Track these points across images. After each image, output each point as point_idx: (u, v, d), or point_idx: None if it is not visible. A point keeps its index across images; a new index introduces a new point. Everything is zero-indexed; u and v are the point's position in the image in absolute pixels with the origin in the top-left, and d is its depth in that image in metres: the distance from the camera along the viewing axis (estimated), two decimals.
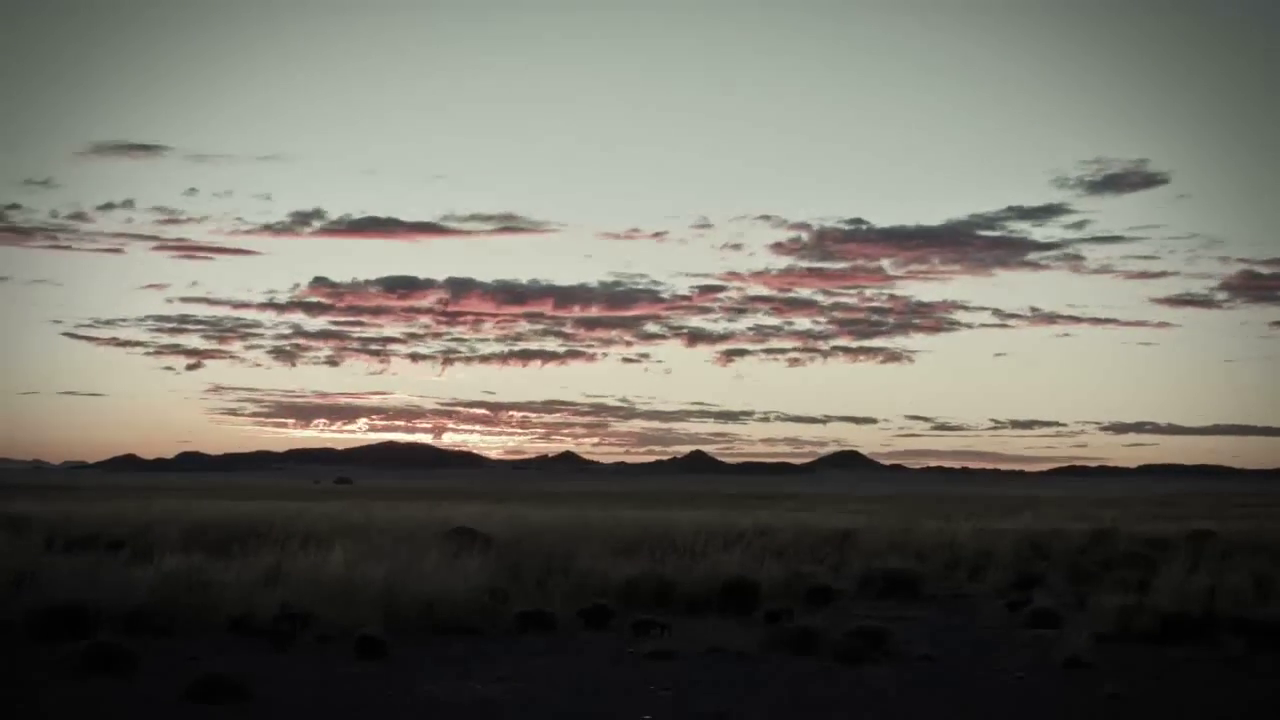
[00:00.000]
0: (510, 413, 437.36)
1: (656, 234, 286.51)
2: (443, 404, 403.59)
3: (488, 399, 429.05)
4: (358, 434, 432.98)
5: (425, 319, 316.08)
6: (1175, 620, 16.89)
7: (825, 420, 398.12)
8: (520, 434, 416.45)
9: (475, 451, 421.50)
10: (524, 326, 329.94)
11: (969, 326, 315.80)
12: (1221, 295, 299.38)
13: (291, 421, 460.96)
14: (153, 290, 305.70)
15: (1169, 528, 39.70)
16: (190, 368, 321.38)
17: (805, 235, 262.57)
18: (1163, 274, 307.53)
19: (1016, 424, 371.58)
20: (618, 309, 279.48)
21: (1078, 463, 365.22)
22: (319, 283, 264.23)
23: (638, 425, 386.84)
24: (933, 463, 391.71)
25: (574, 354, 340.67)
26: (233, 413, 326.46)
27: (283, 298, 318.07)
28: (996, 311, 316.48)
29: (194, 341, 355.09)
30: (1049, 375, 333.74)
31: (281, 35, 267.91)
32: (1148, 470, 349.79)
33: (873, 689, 13.01)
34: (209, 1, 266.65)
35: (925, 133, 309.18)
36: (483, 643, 15.97)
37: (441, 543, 21.43)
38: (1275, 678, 14.16)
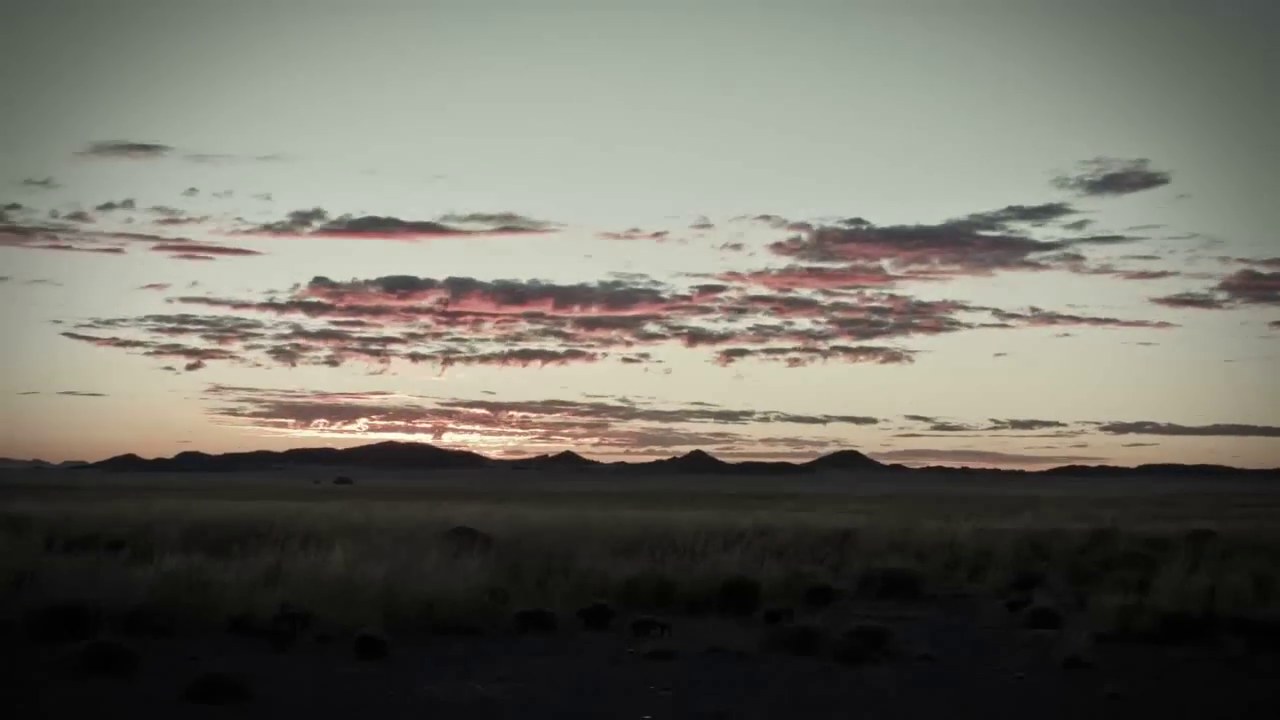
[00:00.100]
0: (510, 413, 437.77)
1: (656, 234, 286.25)
2: (443, 404, 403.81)
3: (488, 399, 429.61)
4: (358, 434, 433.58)
5: (425, 319, 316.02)
6: (1175, 620, 16.90)
7: (825, 420, 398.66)
8: (520, 434, 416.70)
9: (475, 451, 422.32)
10: (524, 326, 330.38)
11: (969, 326, 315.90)
12: (1221, 295, 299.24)
13: (291, 421, 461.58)
14: (153, 290, 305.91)
15: (1169, 528, 39.69)
16: (190, 368, 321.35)
17: (805, 235, 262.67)
18: (1163, 274, 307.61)
19: (1016, 424, 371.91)
20: (618, 309, 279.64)
21: (1078, 463, 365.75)
22: (319, 283, 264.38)
23: (638, 425, 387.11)
24: (933, 463, 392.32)
25: (574, 354, 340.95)
26: (233, 413, 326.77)
27: (283, 298, 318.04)
28: (996, 311, 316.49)
29: (194, 341, 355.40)
30: (1049, 375, 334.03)
31: (281, 35, 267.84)
32: (1148, 470, 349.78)
33: (873, 689, 13.01)
34: (209, 1, 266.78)
35: (925, 133, 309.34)
36: (483, 643, 15.97)
37: (441, 543, 21.43)
38: (1275, 678, 14.16)
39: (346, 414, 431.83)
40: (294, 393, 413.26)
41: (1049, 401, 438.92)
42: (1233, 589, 18.70)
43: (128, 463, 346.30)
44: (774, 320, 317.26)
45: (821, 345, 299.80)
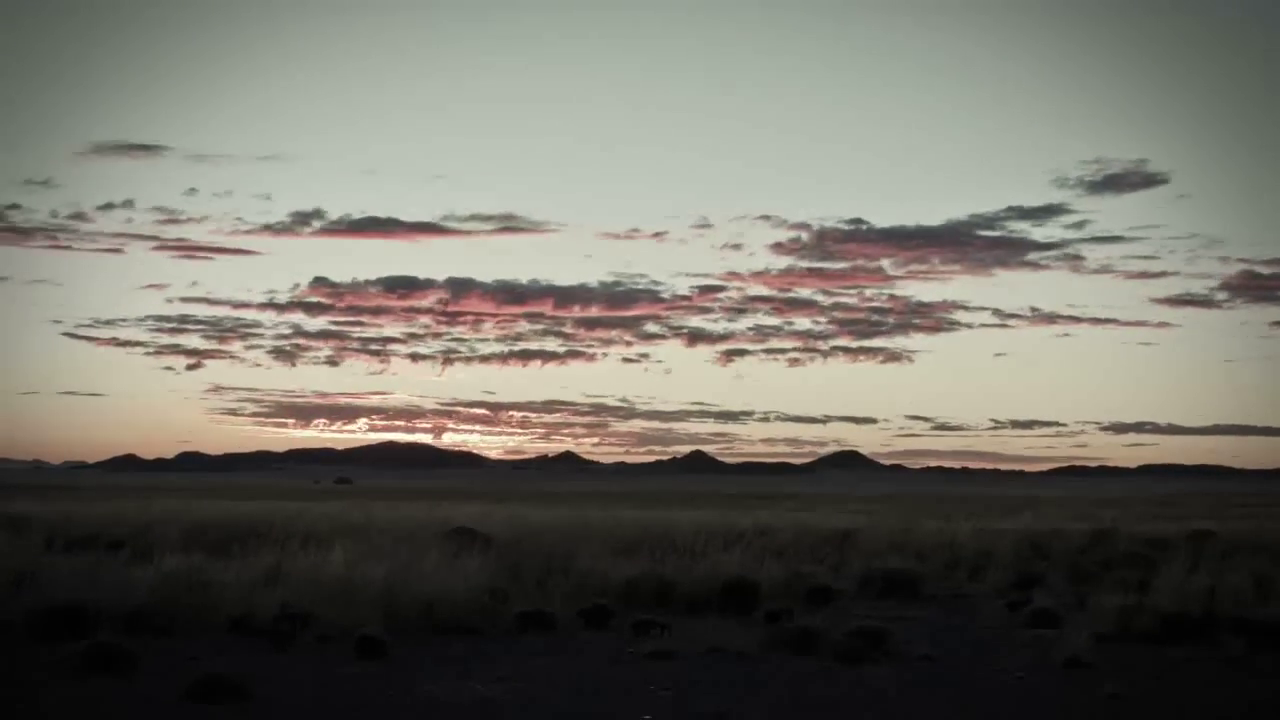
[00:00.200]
0: (510, 413, 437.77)
1: (656, 234, 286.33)
2: (443, 404, 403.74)
3: (488, 399, 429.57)
4: (358, 434, 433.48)
5: (425, 319, 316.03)
6: (1175, 620, 16.89)
7: (825, 420, 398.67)
8: (520, 434, 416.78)
9: (475, 451, 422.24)
10: (524, 326, 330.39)
11: (969, 326, 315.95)
12: (1221, 295, 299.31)
13: (291, 421, 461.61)
14: (153, 290, 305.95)
15: (1169, 528, 39.69)
16: (190, 368, 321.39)
17: (805, 235, 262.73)
18: (1163, 274, 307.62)
19: (1016, 424, 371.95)
20: (618, 309, 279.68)
21: (1078, 463, 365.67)
22: (319, 283, 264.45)
23: (638, 425, 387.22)
24: (933, 463, 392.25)
25: (574, 354, 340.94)
26: (233, 413, 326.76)
27: (283, 298, 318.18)
28: (996, 311, 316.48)
29: (194, 341, 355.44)
30: (1049, 375, 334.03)
31: (281, 35, 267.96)
32: (1148, 470, 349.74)
33: (873, 689, 13.01)
34: (209, 1, 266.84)
35: (925, 133, 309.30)
36: (483, 643, 15.97)
37: (441, 543, 21.43)
38: (1275, 678, 14.16)
39: (346, 414, 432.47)
40: (294, 393, 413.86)
41: (1049, 401, 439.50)
42: (1233, 589, 18.69)
43: (128, 463, 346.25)
44: (774, 320, 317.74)
45: (821, 345, 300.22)
